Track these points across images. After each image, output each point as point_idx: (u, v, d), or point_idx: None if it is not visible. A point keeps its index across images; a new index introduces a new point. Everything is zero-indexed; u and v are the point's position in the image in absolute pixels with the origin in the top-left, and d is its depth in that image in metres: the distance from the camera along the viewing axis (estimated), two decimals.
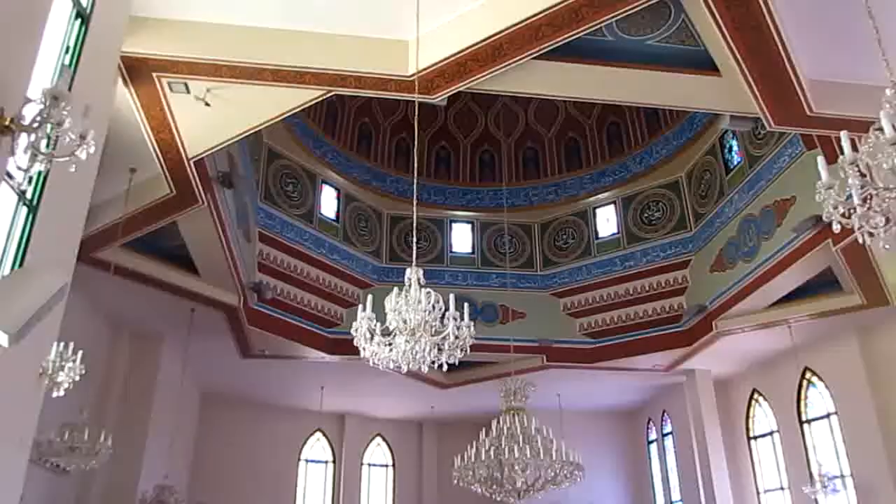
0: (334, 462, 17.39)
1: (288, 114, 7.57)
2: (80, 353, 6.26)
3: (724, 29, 6.09)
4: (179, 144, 7.55)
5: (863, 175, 3.22)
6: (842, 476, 12.03)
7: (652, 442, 17.18)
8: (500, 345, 13.06)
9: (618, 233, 14.11)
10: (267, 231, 12.14)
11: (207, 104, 6.97)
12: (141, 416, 11.56)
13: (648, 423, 17.37)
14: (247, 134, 7.83)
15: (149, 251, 9.62)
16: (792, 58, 6.35)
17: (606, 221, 14.39)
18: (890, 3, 5.59)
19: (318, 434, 17.47)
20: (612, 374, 14.43)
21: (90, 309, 10.36)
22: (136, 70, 6.54)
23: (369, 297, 4.66)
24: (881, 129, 3.03)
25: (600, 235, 14.34)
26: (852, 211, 3.02)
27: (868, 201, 2.97)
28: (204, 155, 7.86)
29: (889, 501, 10.91)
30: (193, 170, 7.96)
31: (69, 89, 3.30)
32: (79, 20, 4.84)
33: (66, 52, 4.65)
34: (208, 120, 7.32)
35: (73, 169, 3.19)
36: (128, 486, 11.13)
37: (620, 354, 13.61)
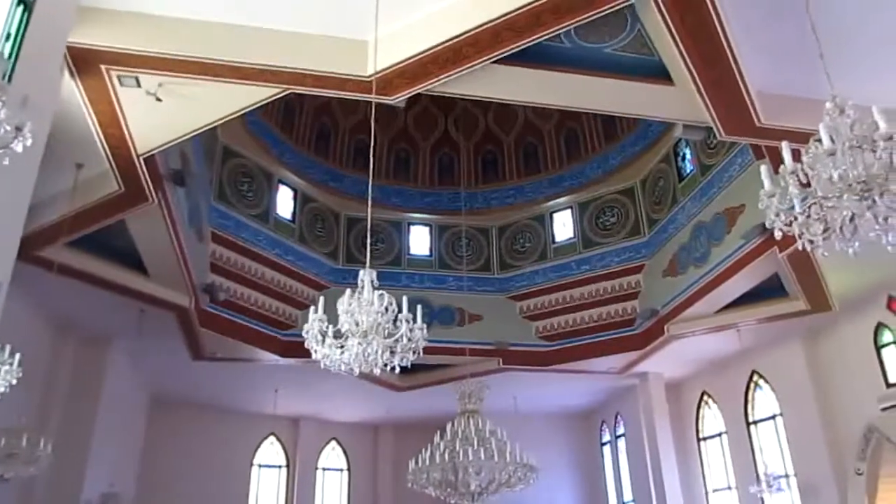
0: (288, 467, 17.14)
1: (243, 111, 7.43)
2: (17, 356, 6.02)
3: (677, 40, 6.22)
4: (129, 140, 7.34)
5: (806, 185, 3.32)
6: (786, 475, 12.41)
7: (605, 443, 17.43)
8: (456, 347, 13.09)
9: (574, 237, 14.28)
10: (220, 231, 11.90)
11: (159, 99, 6.79)
12: (85, 421, 11.14)
13: (602, 424, 17.62)
14: (200, 131, 7.65)
15: (96, 250, 9.31)
16: (742, 71, 6.52)
17: (563, 226, 14.55)
18: (833, 21, 5.79)
19: (272, 438, 17.20)
20: (567, 376, 14.58)
21: (32, 309, 9.96)
22: (85, 62, 6.33)
23: (321, 298, 4.60)
24: (821, 141, 3.13)
25: (557, 240, 14.49)
26: (794, 219, 3.11)
27: (809, 210, 3.06)
28: (155, 152, 7.65)
29: (830, 500, 11.29)
30: (144, 167, 7.75)
31: (8, 80, 3.17)
32: (21, 7, 4.67)
33: (7, 39, 4.47)
34: (160, 116, 7.13)
35: (6, 162, 3.06)
36: (71, 494, 10.72)
37: (575, 357, 13.77)
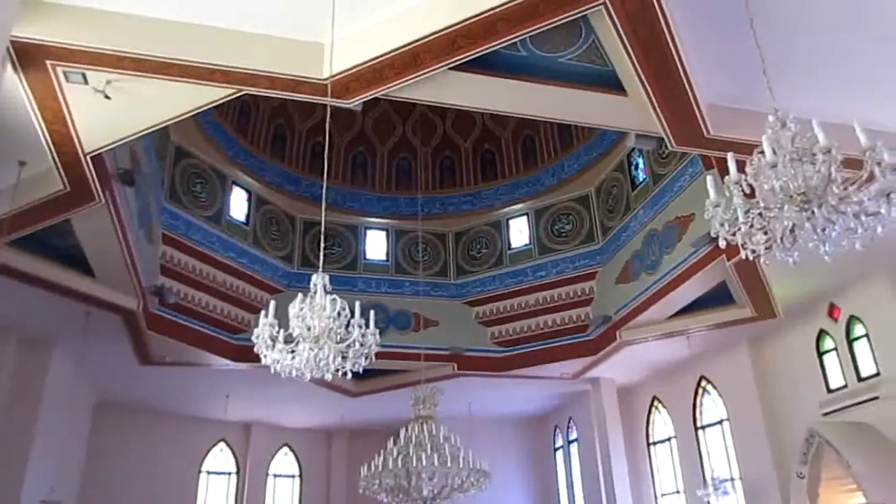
0: (238, 473, 16.82)
1: (196, 111, 7.28)
2: None
3: (630, 53, 6.34)
4: (75, 138, 7.11)
5: (750, 196, 3.43)
6: (732, 479, 12.72)
7: (558, 448, 17.59)
8: (411, 353, 13.07)
9: (530, 244, 14.42)
10: (171, 232, 11.64)
11: (107, 97, 6.60)
12: (25, 426, 10.73)
13: (555, 430, 17.78)
14: (151, 130, 7.46)
15: (39, 250, 8.99)
16: (692, 83, 6.68)
17: (519, 232, 14.68)
18: (777, 38, 6.00)
19: (222, 444, 16.86)
20: (521, 382, 14.68)
21: None
22: (29, 56, 6.10)
23: (272, 302, 4.54)
24: (764, 153, 3.23)
25: (513, 246, 14.61)
26: (738, 229, 3.20)
27: (752, 220, 3.15)
28: (102, 150, 7.43)
29: (773, 502, 11.61)
30: (90, 165, 7.52)
31: None
32: None
33: None
34: (108, 113, 6.93)
35: None
36: (9, 500, 10.31)
37: (530, 363, 13.89)
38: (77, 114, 6.85)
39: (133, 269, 9.66)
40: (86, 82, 6.49)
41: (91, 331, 10.71)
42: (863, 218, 3.10)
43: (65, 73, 6.38)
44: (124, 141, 7.44)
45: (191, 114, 7.27)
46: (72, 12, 5.97)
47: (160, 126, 7.45)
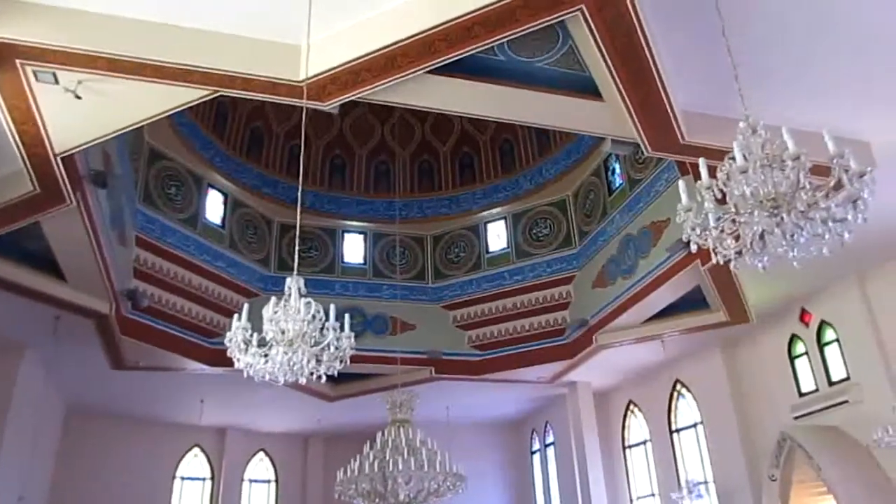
0: (213, 479, 16.61)
1: (169, 113, 7.17)
2: None
3: (607, 60, 6.38)
4: (45, 139, 6.98)
5: (723, 201, 3.46)
6: (705, 482, 12.85)
7: (535, 452, 17.65)
8: (388, 357, 13.02)
9: (507, 248, 14.46)
10: (145, 235, 11.48)
11: (79, 97, 6.49)
12: None
13: (532, 433, 17.84)
14: (123, 131, 7.35)
15: (8, 253, 8.80)
16: (668, 90, 6.74)
17: (497, 237, 14.71)
18: (749, 47, 6.10)
19: (197, 450, 16.66)
20: (498, 385, 14.71)
21: None
22: None
23: (245, 305, 4.49)
24: (735, 158, 3.27)
25: (491, 250, 14.63)
26: (709, 233, 3.24)
27: (722, 225, 3.19)
28: (74, 151, 7.29)
29: None
30: (61, 167, 7.38)
31: None
32: None
33: None
34: (80, 114, 6.82)
35: None
36: None
37: (507, 367, 13.91)
38: (47, 114, 6.73)
39: (105, 272, 9.50)
40: (56, 82, 6.38)
41: (62, 335, 10.50)
42: (830, 224, 3.15)
43: (35, 72, 6.26)
44: (96, 142, 7.31)
45: (165, 115, 7.17)
46: (40, 11, 5.87)
47: (133, 127, 7.34)
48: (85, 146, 7.31)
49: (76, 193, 7.91)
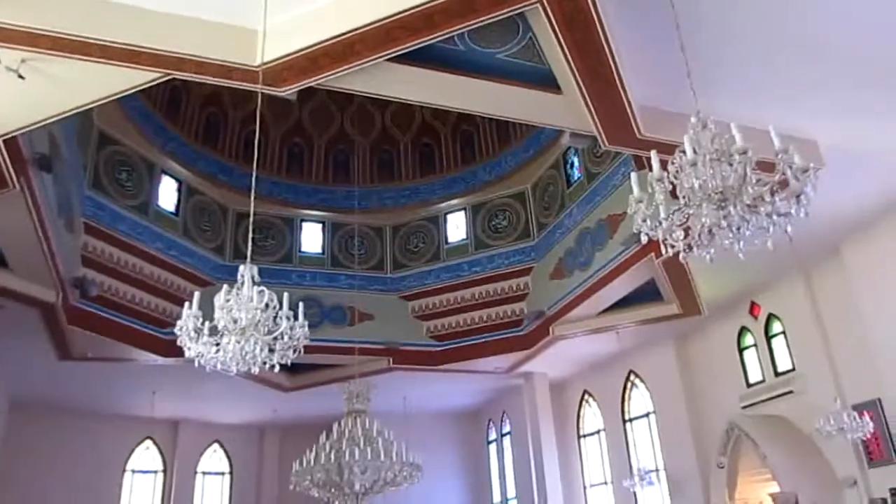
0: (165, 471, 16.32)
1: (118, 96, 6.94)
2: None
3: (565, 51, 6.41)
4: None
5: (675, 195, 3.52)
6: (657, 470, 13.16)
7: (492, 442, 17.81)
8: (346, 347, 12.93)
9: (466, 239, 14.50)
10: (95, 222, 11.14)
11: (21, 77, 6.23)
12: None
13: (489, 423, 17.99)
14: (70, 114, 7.10)
15: None
16: (625, 85, 6.82)
17: (456, 227, 14.73)
18: (707, 43, 6.21)
19: (148, 442, 16.37)
20: (456, 376, 14.77)
21: None
22: None
23: (196, 293, 4.39)
24: (685, 152, 3.33)
25: (450, 241, 14.65)
26: (658, 224, 3.29)
27: (673, 217, 3.25)
28: (17, 133, 7.01)
29: (694, 491, 12.08)
30: (3, 150, 7.09)
31: None
32: None
33: None
34: (23, 95, 6.55)
35: None
36: None
37: (464, 357, 13.98)
38: None
39: (51, 259, 9.19)
40: None
41: (5, 325, 10.15)
42: (774, 217, 3.24)
43: None
44: (40, 124, 7.04)
45: (113, 98, 6.94)
46: None
47: (81, 109, 7.08)
48: (29, 128, 7.04)
49: (20, 178, 7.62)
